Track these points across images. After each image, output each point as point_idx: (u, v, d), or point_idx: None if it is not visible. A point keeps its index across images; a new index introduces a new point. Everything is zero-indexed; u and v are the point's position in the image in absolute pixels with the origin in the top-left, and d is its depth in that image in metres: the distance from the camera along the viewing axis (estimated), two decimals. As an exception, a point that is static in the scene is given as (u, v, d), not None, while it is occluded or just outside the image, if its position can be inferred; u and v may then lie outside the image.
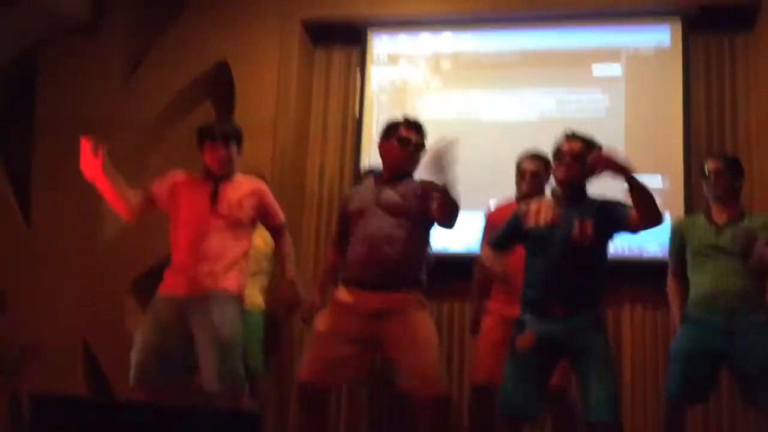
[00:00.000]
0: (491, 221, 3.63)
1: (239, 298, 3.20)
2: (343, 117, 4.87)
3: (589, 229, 2.86)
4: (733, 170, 3.35)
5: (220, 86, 4.86)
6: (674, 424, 3.26)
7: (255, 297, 3.93)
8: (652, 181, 4.20)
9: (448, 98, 4.69)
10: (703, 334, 3.19)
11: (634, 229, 2.86)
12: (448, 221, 2.95)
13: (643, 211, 2.75)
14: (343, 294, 3.02)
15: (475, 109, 4.64)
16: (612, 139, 4.27)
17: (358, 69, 4.81)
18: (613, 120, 4.39)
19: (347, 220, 3.15)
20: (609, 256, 4.08)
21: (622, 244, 4.19)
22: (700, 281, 3.26)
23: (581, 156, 2.86)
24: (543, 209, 2.96)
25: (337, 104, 4.90)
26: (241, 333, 3.17)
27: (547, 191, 3.48)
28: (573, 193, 2.94)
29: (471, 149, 4.50)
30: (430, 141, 3.16)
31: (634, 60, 4.46)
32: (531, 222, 2.95)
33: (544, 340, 2.84)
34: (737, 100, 4.38)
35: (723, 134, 4.33)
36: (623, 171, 2.70)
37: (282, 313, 4.03)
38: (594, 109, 4.43)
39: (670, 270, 3.46)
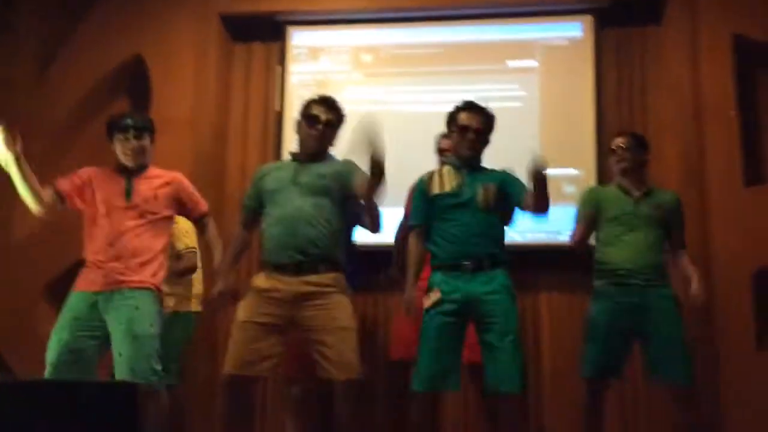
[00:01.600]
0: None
1: (157, 291, 3.13)
2: (264, 112, 4.83)
3: (493, 193, 3.01)
4: (638, 145, 3.49)
5: (136, 81, 4.76)
6: (594, 402, 3.36)
7: (186, 299, 3.90)
8: (565, 173, 4.37)
9: (370, 91, 4.72)
10: (617, 310, 3.30)
11: (523, 209, 3.03)
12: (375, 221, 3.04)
13: (538, 203, 2.93)
14: (261, 280, 2.97)
15: (396, 101, 4.69)
16: (527, 130, 4.44)
17: (278, 64, 4.78)
18: (529, 111, 4.49)
19: (260, 199, 3.08)
20: (525, 244, 4.26)
21: (537, 231, 4.30)
22: (616, 250, 3.34)
23: (484, 131, 3.07)
24: (446, 177, 3.07)
25: (258, 99, 4.86)
26: (159, 327, 3.10)
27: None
28: (473, 162, 3.10)
29: (392, 142, 4.54)
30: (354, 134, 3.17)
31: (548, 52, 4.57)
32: (436, 189, 3.06)
33: (454, 300, 2.91)
34: (647, 91, 4.53)
35: (634, 123, 4.46)
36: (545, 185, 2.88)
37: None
38: (510, 100, 4.52)
39: (577, 234, 3.45)
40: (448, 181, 3.06)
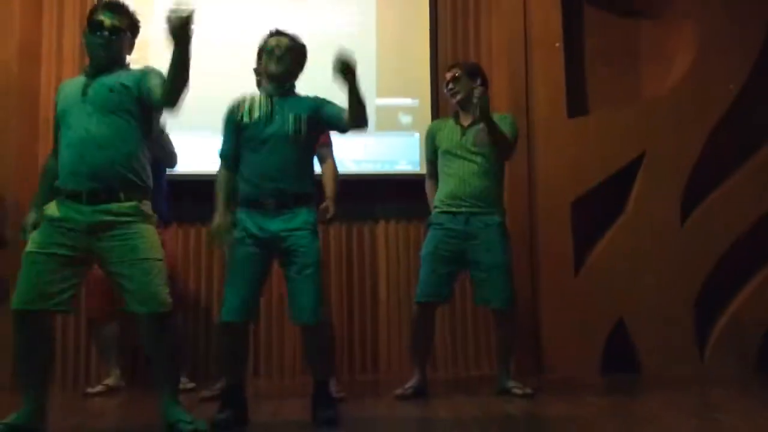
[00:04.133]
0: None
1: None
2: (82, 28, 4.39)
3: (304, 124, 2.91)
4: (470, 76, 3.58)
5: None
6: (421, 324, 3.54)
7: None
8: (401, 102, 4.39)
9: (197, 9, 4.40)
10: (446, 237, 3.47)
11: (344, 129, 2.94)
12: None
13: (357, 111, 2.79)
14: (53, 209, 2.68)
15: (223, 20, 4.42)
16: (364, 55, 4.29)
17: (95, -26, 4.36)
18: (366, 37, 4.41)
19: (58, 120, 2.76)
20: (362, 173, 4.25)
21: (374, 161, 4.31)
22: (446, 180, 3.54)
23: (293, 51, 2.97)
24: (255, 104, 2.95)
25: (73, 14, 4.41)
26: None
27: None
28: (285, 89, 2.98)
29: (218, 64, 4.31)
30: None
31: (386, -23, 4.49)
32: (245, 117, 2.93)
33: (256, 236, 2.86)
34: (481, 19, 4.57)
35: (468, 52, 4.51)
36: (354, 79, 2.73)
37: None
38: (347, 25, 4.41)
39: (427, 174, 3.71)
40: (256, 109, 2.93)
